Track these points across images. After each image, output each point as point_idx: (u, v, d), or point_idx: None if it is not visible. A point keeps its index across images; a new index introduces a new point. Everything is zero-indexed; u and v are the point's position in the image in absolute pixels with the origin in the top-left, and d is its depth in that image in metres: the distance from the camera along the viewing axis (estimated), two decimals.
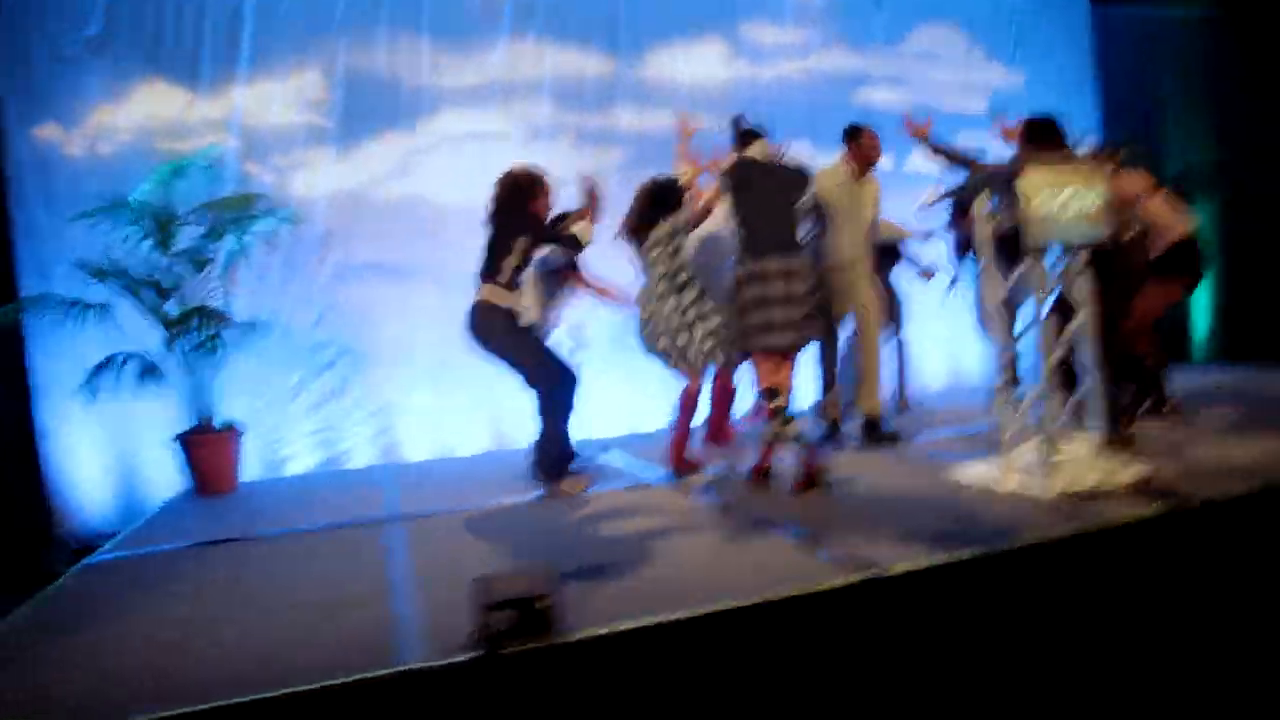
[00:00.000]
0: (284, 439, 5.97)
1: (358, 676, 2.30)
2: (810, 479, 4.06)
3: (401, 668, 2.35)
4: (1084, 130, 7.91)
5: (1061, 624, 2.90)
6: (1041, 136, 4.29)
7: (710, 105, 7.03)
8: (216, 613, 2.99)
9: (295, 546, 3.86)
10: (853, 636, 2.72)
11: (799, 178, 4.31)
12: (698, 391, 4.54)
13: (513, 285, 4.44)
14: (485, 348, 4.42)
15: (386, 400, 6.16)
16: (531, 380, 4.37)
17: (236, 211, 5.27)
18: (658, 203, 4.53)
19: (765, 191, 4.14)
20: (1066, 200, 3.78)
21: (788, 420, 4.08)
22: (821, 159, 7.18)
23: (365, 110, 6.14)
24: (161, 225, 5.22)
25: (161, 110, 5.67)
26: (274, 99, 5.95)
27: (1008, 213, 3.79)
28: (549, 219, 4.59)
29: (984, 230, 4.03)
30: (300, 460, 6.00)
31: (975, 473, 4.08)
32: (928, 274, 6.24)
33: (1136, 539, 3.20)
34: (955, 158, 4.43)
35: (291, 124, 5.98)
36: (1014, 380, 4.29)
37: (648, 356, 4.56)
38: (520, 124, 6.55)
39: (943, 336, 7.45)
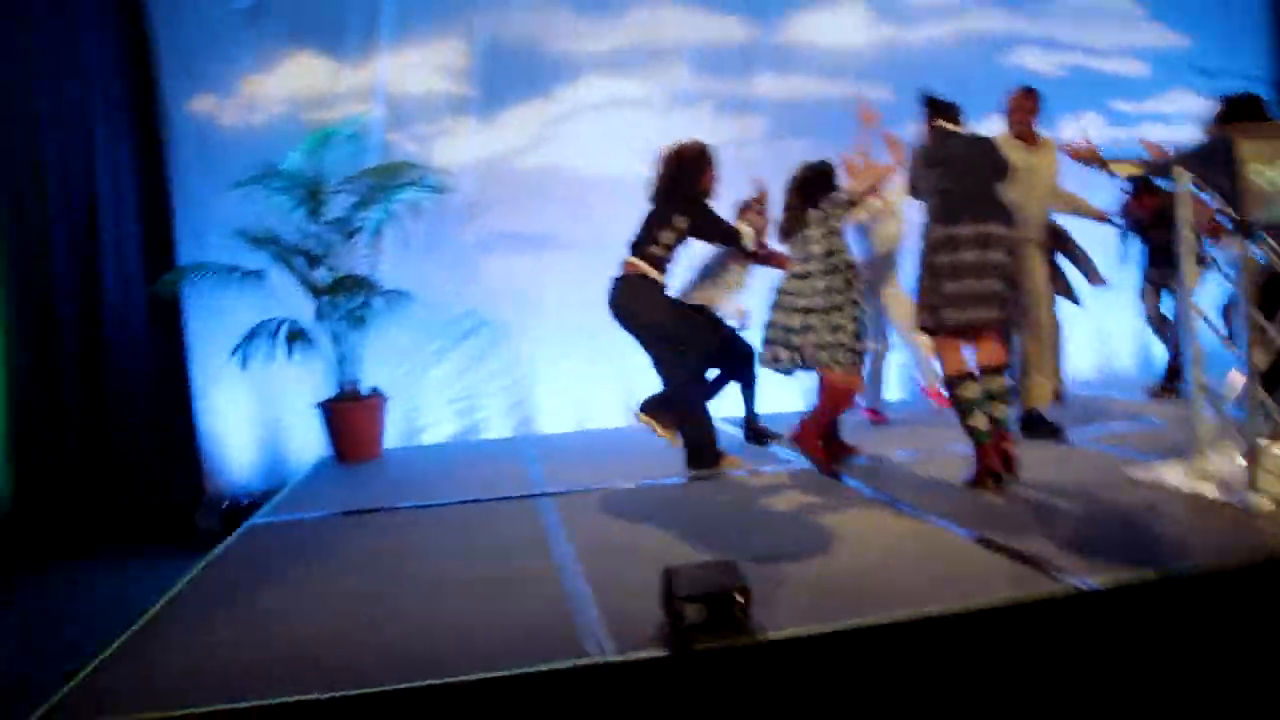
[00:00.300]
0: (422, 407, 6.02)
1: (546, 667, 2.23)
2: (998, 470, 3.72)
3: (590, 660, 2.27)
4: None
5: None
6: (1243, 116, 3.90)
7: (854, 71, 6.79)
8: (384, 585, 2.97)
9: (450, 518, 3.84)
10: (1055, 652, 2.52)
11: (1001, 156, 3.91)
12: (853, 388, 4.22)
13: (664, 263, 4.32)
14: (626, 323, 4.33)
15: (524, 371, 6.15)
16: (663, 363, 4.29)
17: (388, 179, 5.29)
18: (811, 191, 4.24)
19: (967, 162, 3.78)
20: None
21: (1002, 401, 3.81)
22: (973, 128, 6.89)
23: (506, 77, 6.09)
24: (312, 194, 5.28)
25: (309, 81, 5.75)
26: (416, 67, 5.96)
27: (1221, 189, 3.46)
28: (714, 197, 4.46)
29: (1186, 212, 3.68)
30: (437, 429, 6.05)
31: (1160, 476, 3.70)
32: (1096, 277, 5.56)
33: None
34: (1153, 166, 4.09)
35: (433, 92, 5.98)
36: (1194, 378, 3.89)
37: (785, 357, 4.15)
38: (660, 90, 6.41)
39: (1090, 324, 7.01)
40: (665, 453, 4.58)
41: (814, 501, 3.79)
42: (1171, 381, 5.79)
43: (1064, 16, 7.27)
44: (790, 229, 4.26)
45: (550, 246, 6.15)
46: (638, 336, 4.34)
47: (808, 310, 4.06)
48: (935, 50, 7.00)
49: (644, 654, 2.28)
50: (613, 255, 6.11)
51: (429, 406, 6.03)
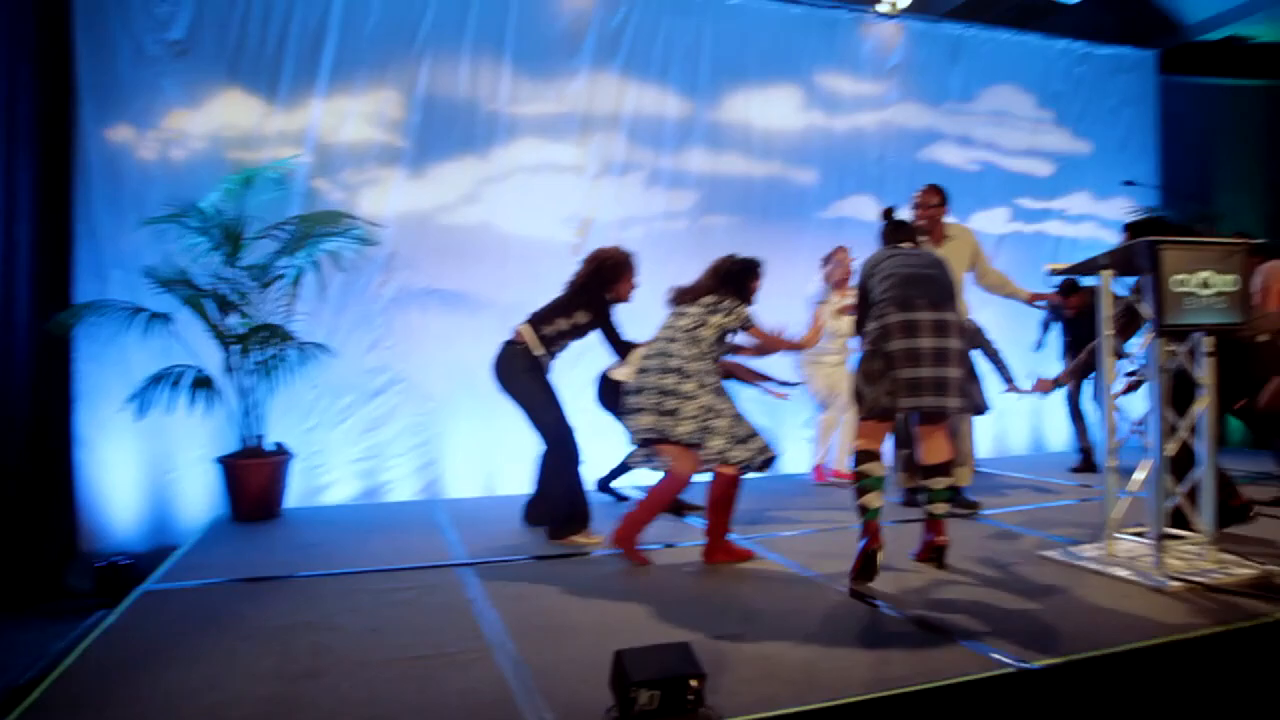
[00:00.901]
0: (326, 465, 5.73)
1: None
2: (934, 551, 3.78)
3: None
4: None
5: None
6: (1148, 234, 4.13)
7: (783, 153, 6.97)
8: (304, 663, 2.72)
9: (366, 588, 3.59)
10: None
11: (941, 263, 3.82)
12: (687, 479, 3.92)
13: (552, 343, 4.43)
14: (504, 388, 4.43)
15: (434, 432, 5.93)
16: (541, 429, 4.36)
17: (318, 227, 5.07)
18: (728, 283, 3.98)
19: (908, 259, 3.72)
20: (1206, 280, 3.62)
21: (946, 495, 3.82)
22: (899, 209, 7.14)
23: (441, 133, 5.99)
24: (230, 236, 5.03)
25: (237, 119, 5.51)
26: (351, 115, 5.79)
27: (1142, 289, 3.61)
28: (622, 301, 4.52)
29: (1109, 306, 3.85)
30: (339, 488, 5.75)
31: (1073, 554, 3.89)
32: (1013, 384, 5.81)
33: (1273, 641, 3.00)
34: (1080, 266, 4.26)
35: (366, 141, 5.82)
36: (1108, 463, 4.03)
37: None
38: (594, 158, 6.41)
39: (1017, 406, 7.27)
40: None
41: (738, 576, 3.71)
42: (1087, 461, 6.36)
43: (979, 117, 7.66)
44: (682, 300, 4.03)
45: (469, 306, 6.00)
46: (514, 402, 4.42)
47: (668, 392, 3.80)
48: (860, 139, 7.26)
49: None
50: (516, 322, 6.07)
51: (332, 464, 5.73)
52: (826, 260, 5.95)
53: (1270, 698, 2.88)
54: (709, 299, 3.93)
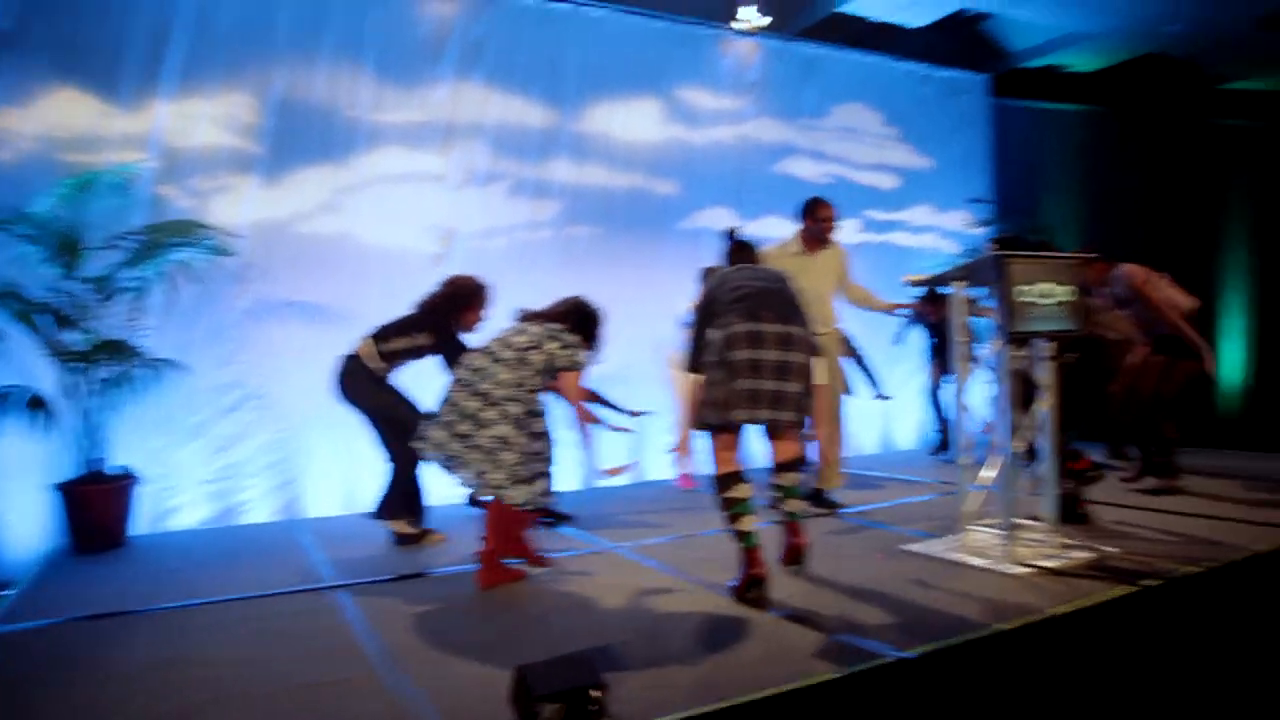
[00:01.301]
0: (176, 487, 5.40)
1: None
2: (762, 577, 3.51)
3: None
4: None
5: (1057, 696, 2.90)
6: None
7: (644, 165, 7.06)
8: (180, 703, 2.56)
9: (232, 618, 3.41)
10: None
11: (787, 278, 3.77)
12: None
13: (392, 358, 4.54)
14: (346, 399, 4.56)
15: (293, 449, 5.69)
16: (395, 425, 4.46)
17: (169, 237, 4.77)
18: (576, 320, 3.92)
19: (755, 278, 3.64)
20: (1048, 290, 3.90)
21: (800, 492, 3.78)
22: (745, 226, 7.37)
23: (298, 139, 5.74)
24: (66, 245, 4.68)
25: (72, 119, 5.09)
26: (200, 118, 5.46)
27: (993, 298, 3.86)
28: (466, 330, 4.65)
29: (961, 314, 4.09)
30: (190, 512, 5.42)
31: (932, 547, 4.13)
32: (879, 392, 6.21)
33: (1112, 616, 3.26)
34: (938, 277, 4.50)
35: (217, 146, 5.51)
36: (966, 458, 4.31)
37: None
38: (457, 168, 6.30)
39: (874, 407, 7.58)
40: (452, 539, 4.57)
41: (620, 584, 3.73)
42: (945, 447, 7.08)
43: (830, 132, 7.99)
44: (528, 319, 3.96)
45: (329, 318, 5.75)
46: (357, 413, 4.56)
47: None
48: (719, 152, 7.43)
49: None
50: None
51: (182, 486, 5.40)
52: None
53: (1111, 669, 3.12)
54: (555, 326, 3.84)
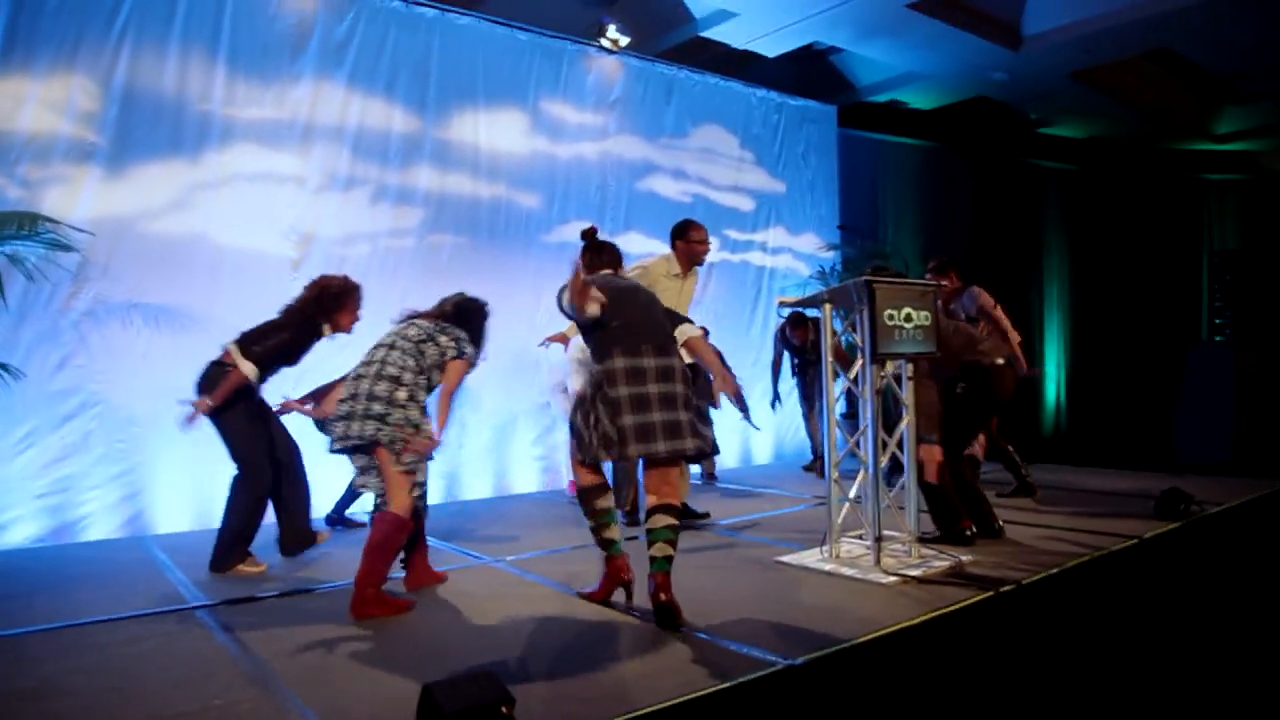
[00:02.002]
0: (2, 503, 4.94)
1: None
2: (630, 580, 3.58)
3: None
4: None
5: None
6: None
7: (508, 176, 7.03)
8: None
9: (90, 644, 3.14)
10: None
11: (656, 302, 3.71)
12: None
13: (262, 366, 4.23)
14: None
15: (138, 460, 5.32)
16: (235, 454, 4.27)
17: (9, 230, 4.37)
18: (462, 315, 3.94)
19: (632, 298, 3.56)
20: (910, 315, 4.16)
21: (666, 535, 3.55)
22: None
23: (144, 131, 5.39)
24: None
25: None
26: (29, 101, 5.05)
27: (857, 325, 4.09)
28: (342, 331, 4.47)
29: (830, 338, 4.29)
30: (18, 529, 4.98)
31: (805, 558, 4.28)
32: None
33: (975, 620, 3.51)
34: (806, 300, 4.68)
35: (50, 133, 5.10)
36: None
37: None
38: (317, 170, 6.08)
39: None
40: (320, 552, 4.50)
41: (506, 598, 3.70)
42: (817, 461, 7.26)
43: (691, 153, 8.21)
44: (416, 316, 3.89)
45: (178, 321, 5.46)
46: (214, 424, 4.25)
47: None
48: (582, 167, 7.49)
49: None
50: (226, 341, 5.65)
51: (11, 502, 4.96)
52: None
53: (976, 667, 3.36)
54: (444, 322, 3.85)
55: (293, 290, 4.47)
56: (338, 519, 5.29)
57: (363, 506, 5.24)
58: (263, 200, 5.85)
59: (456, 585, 3.93)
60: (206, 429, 4.26)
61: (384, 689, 2.62)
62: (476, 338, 3.93)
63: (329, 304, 4.35)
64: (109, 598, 3.72)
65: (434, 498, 5.86)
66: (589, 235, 3.82)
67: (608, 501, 3.55)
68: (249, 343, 4.25)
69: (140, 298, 5.34)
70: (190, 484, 5.47)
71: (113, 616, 3.46)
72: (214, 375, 4.22)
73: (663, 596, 3.26)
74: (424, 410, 3.67)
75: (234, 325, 5.29)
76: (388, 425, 3.51)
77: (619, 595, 3.58)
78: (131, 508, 5.30)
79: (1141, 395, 11.81)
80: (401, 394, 3.58)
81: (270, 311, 4.36)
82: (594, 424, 3.33)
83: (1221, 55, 9.33)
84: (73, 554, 4.75)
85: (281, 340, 4.26)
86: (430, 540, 4.62)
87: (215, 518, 5.42)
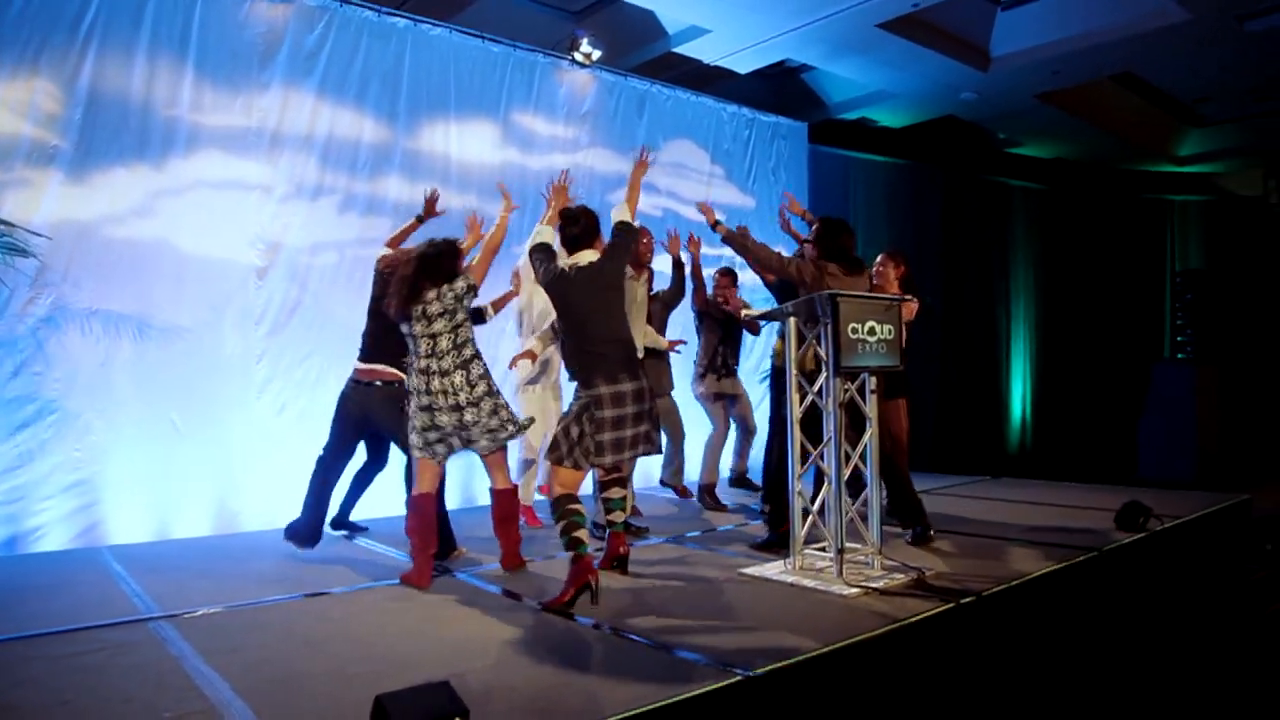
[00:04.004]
0: None
1: None
2: (617, 559, 4.26)
3: None
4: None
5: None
6: (835, 234, 4.70)
7: (478, 186, 7.00)
8: None
9: (33, 654, 3.08)
10: None
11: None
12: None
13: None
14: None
15: (95, 469, 5.23)
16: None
17: None
18: (430, 272, 4.07)
19: (602, 329, 3.99)
20: (873, 328, 4.18)
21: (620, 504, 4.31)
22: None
23: (108, 136, 5.32)
24: None
25: None
26: None
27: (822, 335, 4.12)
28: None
29: (794, 351, 4.30)
30: None
31: (767, 570, 4.27)
32: None
33: (936, 631, 3.52)
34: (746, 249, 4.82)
35: (11, 135, 5.02)
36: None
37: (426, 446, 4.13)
38: (284, 178, 6.03)
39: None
40: (279, 564, 4.48)
41: (460, 608, 3.69)
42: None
43: (662, 167, 8.20)
44: (406, 309, 4.06)
45: (139, 329, 5.39)
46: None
47: (465, 404, 4.03)
48: (553, 178, 7.43)
49: None
50: (214, 343, 5.59)
51: None
52: None
53: (939, 676, 3.37)
54: (436, 301, 4.11)
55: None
56: (345, 522, 5.39)
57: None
58: (228, 208, 5.79)
59: (417, 596, 3.89)
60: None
61: (337, 701, 2.59)
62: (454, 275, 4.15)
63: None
64: (61, 609, 3.65)
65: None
66: (563, 214, 4.26)
67: (579, 504, 3.86)
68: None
69: (101, 304, 5.26)
70: (148, 494, 5.39)
71: (64, 628, 3.39)
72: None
73: (623, 549, 4.27)
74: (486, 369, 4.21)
75: (197, 333, 5.29)
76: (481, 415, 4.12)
77: (583, 601, 3.61)
78: (88, 518, 5.20)
79: (1106, 411, 11.96)
80: (477, 368, 4.15)
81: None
82: (578, 437, 3.88)
83: (1185, 80, 9.50)
84: (25, 564, 4.65)
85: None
86: (389, 551, 4.63)
87: (173, 528, 5.45)
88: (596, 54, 7.61)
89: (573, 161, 7.59)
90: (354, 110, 6.38)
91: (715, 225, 4.99)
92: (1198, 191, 12.92)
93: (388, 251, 4.87)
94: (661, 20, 7.95)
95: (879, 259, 5.45)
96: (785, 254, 5.22)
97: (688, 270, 6.08)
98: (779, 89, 9.53)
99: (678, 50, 8.17)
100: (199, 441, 5.56)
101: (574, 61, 7.61)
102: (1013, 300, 12.21)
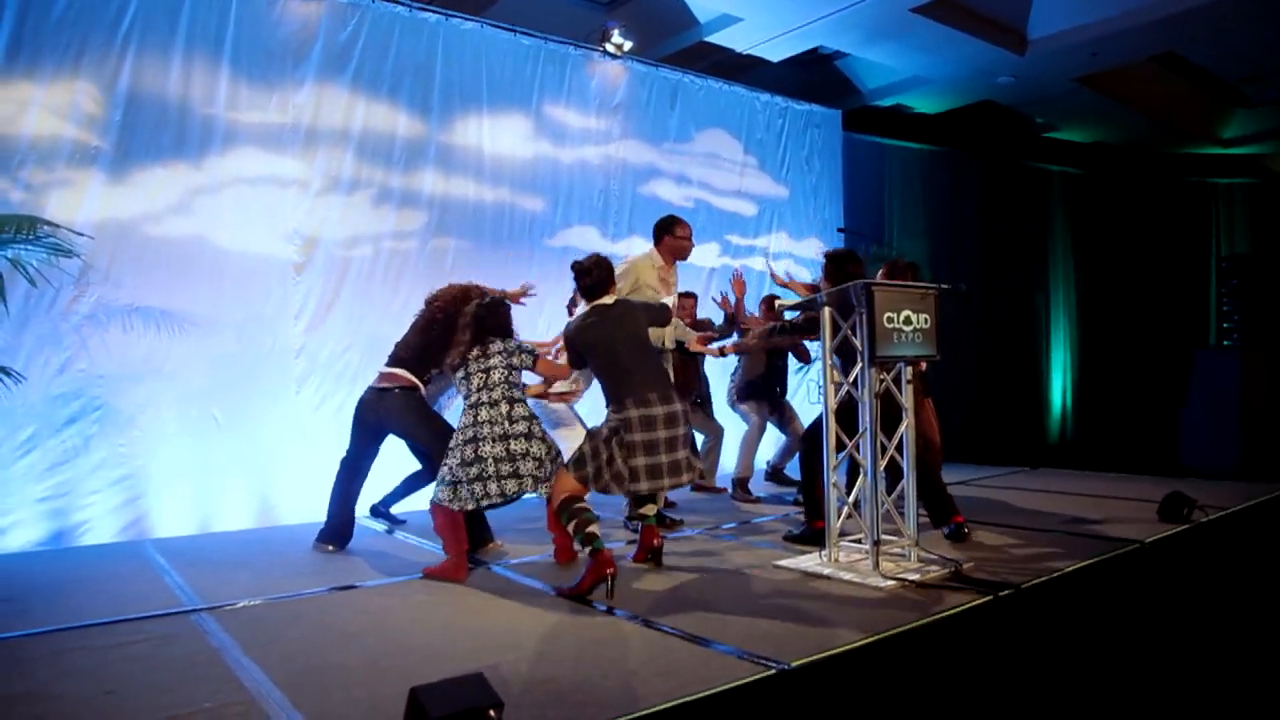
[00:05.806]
0: (3, 507, 4.95)
1: None
2: (651, 552, 4.27)
3: None
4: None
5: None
6: (842, 264, 4.66)
7: (511, 180, 7.03)
8: None
9: (83, 647, 3.14)
10: None
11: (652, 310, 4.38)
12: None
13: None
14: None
15: (139, 464, 5.33)
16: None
17: (10, 234, 4.37)
18: (486, 330, 4.18)
19: (621, 346, 4.03)
20: (909, 317, 4.14)
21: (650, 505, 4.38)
22: (607, 244, 7.45)
23: (148, 135, 5.40)
24: None
25: None
26: (33, 105, 5.06)
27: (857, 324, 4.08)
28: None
29: (828, 340, 4.26)
30: (19, 533, 4.99)
31: (802, 562, 4.26)
32: None
33: (973, 624, 3.48)
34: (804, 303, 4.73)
35: (54, 137, 5.11)
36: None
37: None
38: (320, 173, 6.09)
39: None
40: (317, 557, 4.56)
41: (495, 600, 3.72)
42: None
43: (694, 157, 8.20)
44: (466, 358, 4.13)
45: (180, 325, 5.47)
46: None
47: (512, 435, 4.02)
48: (586, 171, 7.49)
49: None
50: (253, 338, 5.67)
51: (11, 506, 4.96)
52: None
53: (976, 671, 3.33)
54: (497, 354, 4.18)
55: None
56: (383, 512, 5.47)
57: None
58: (266, 204, 5.86)
59: (451, 589, 3.92)
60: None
61: (373, 693, 2.62)
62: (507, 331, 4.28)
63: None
64: (105, 601, 3.72)
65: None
66: (575, 268, 4.19)
67: (585, 504, 3.88)
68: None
69: (142, 301, 5.35)
70: (191, 488, 5.49)
71: (108, 620, 3.45)
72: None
73: (657, 541, 4.28)
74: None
75: (236, 329, 5.34)
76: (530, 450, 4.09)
77: (599, 592, 3.63)
78: (132, 512, 5.30)
79: (1148, 399, 11.75)
80: (521, 409, 4.15)
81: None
82: (607, 461, 3.85)
83: (1229, 59, 9.29)
84: (71, 558, 4.74)
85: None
86: (423, 544, 4.66)
87: (215, 522, 5.53)
88: (628, 45, 7.60)
89: (604, 153, 7.60)
90: (388, 105, 6.43)
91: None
92: (1243, 174, 12.62)
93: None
94: (693, 9, 7.92)
95: (879, 274, 5.40)
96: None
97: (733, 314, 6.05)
98: (812, 77, 9.45)
99: (709, 39, 8.13)
100: (239, 436, 5.65)
101: (605, 53, 7.60)
102: (1052, 288, 12.03)
